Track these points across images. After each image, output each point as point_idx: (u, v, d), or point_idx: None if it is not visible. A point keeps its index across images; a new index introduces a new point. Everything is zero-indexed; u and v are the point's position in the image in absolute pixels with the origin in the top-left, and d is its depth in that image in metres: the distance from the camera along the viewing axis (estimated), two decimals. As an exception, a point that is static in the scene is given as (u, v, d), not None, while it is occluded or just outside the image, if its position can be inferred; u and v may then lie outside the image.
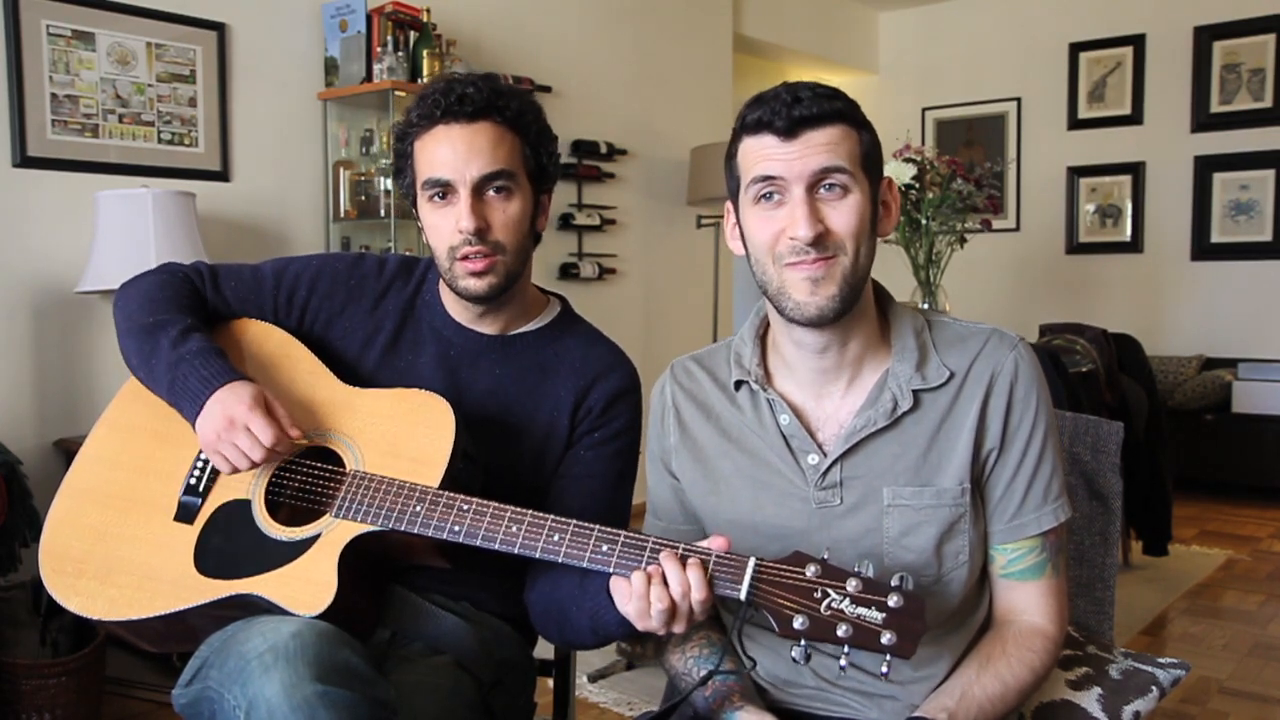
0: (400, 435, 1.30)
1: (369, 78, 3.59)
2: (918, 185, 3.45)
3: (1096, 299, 5.99)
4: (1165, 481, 3.88)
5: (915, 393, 1.22)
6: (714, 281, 5.05)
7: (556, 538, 1.17)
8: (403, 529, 1.22)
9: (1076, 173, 6.13)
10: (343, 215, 3.70)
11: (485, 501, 1.21)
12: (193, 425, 1.29)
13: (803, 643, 1.05)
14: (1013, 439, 1.23)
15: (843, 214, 1.16)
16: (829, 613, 1.05)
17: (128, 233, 2.82)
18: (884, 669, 1.03)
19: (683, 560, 1.10)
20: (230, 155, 3.44)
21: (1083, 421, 1.60)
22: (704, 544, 1.12)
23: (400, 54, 3.59)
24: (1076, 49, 6.09)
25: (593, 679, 2.91)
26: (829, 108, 1.16)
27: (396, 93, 3.51)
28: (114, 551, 1.30)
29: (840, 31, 6.50)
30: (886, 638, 1.03)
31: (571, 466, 1.41)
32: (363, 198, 3.68)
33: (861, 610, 1.04)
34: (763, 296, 1.25)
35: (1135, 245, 5.97)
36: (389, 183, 3.55)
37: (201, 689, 1.14)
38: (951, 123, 6.58)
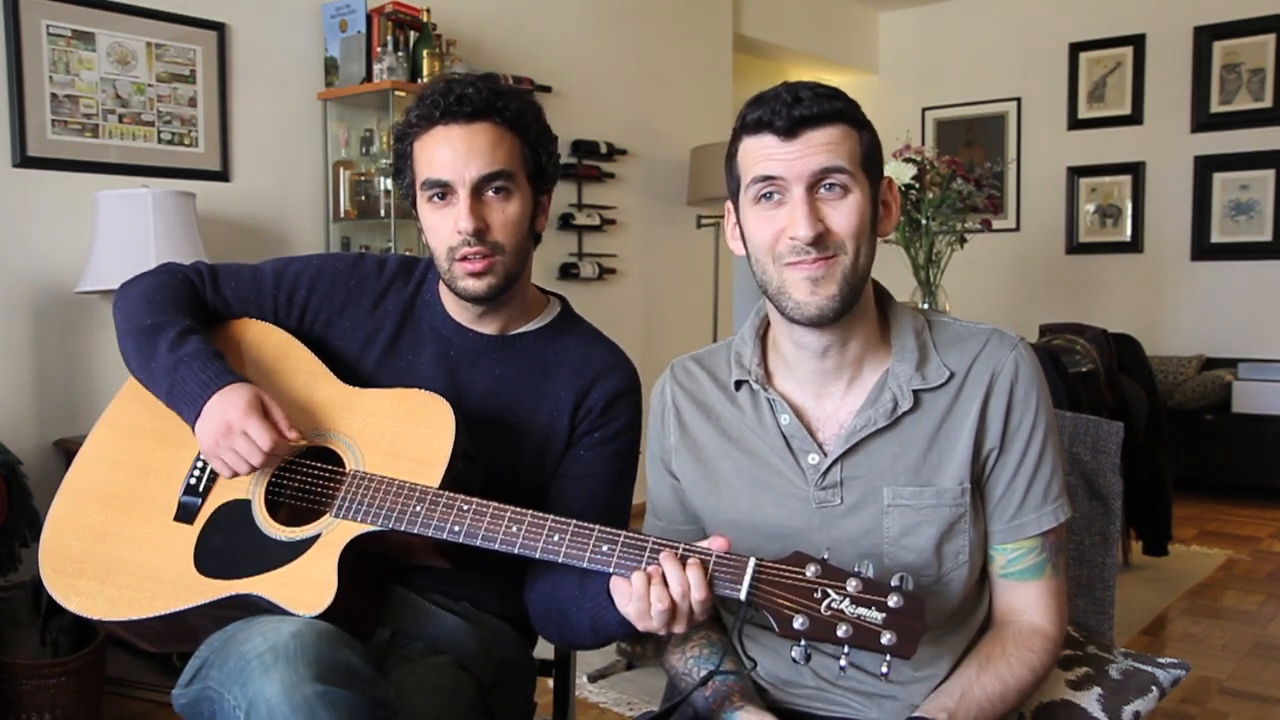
0: (400, 435, 1.30)
1: (369, 78, 3.59)
2: (918, 185, 3.45)
3: (1096, 299, 5.99)
4: (1165, 481, 3.88)
5: (915, 393, 1.22)
6: (714, 281, 5.05)
7: (556, 538, 1.17)
8: (403, 529, 1.22)
9: (1076, 173, 6.13)
10: (343, 215, 3.70)
11: (485, 501, 1.21)
12: (192, 429, 1.29)
13: (803, 643, 1.06)
14: (1013, 439, 1.23)
15: (843, 214, 1.16)
16: (829, 613, 1.05)
17: (128, 233, 2.82)
18: (884, 669, 1.03)
19: (683, 560, 1.10)
20: (230, 155, 3.44)
21: (1083, 421, 1.60)
22: (704, 544, 1.12)
23: (400, 54, 3.59)
24: (1076, 49, 6.09)
25: (593, 679, 2.91)
26: (829, 108, 1.16)
27: (396, 93, 3.51)
28: (114, 551, 1.30)
29: (840, 31, 6.50)
30: (886, 638, 1.03)
31: (571, 466, 1.41)
32: (363, 198, 3.68)
33: (861, 610, 1.04)
34: (763, 296, 1.25)
35: (1135, 245, 5.97)
36: (389, 183, 3.55)
37: (201, 689, 1.14)
38: (951, 123, 6.58)
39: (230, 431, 1.25)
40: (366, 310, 1.46)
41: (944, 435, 1.22)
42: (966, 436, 1.21)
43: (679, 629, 1.11)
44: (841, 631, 1.04)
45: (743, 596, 1.08)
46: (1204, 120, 5.72)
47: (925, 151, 3.57)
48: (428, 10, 3.71)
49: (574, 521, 1.17)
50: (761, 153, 1.17)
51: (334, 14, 3.64)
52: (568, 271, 4.56)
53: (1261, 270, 5.60)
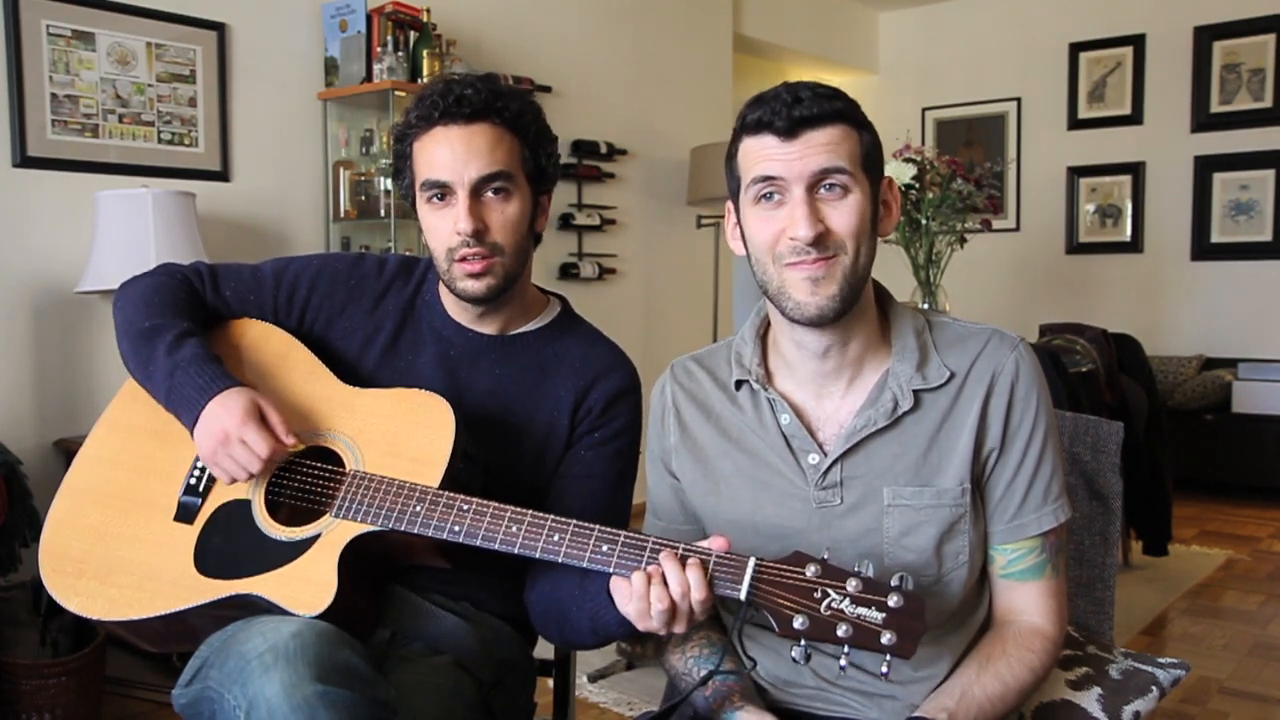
0: (400, 435, 1.30)
1: (369, 78, 3.59)
2: (918, 185, 3.45)
3: (1096, 299, 5.99)
4: (1165, 481, 3.88)
5: (916, 393, 1.22)
6: (714, 281, 5.05)
7: (556, 538, 1.17)
8: (403, 529, 1.22)
9: (1076, 173, 6.13)
10: (343, 215, 3.70)
11: (485, 501, 1.21)
12: (191, 434, 1.29)
13: (803, 643, 1.05)
14: (1013, 439, 1.23)
15: (843, 214, 1.16)
16: (829, 613, 1.05)
17: (128, 233, 2.82)
18: (884, 669, 1.03)
19: (682, 560, 1.10)
20: (230, 155, 3.44)
21: (1083, 421, 1.60)
22: (704, 544, 1.12)
23: (400, 54, 3.59)
24: (1076, 49, 6.09)
25: (593, 679, 2.91)
26: (829, 108, 1.16)
27: (396, 93, 3.51)
28: (114, 551, 1.30)
29: (840, 31, 6.50)
30: (886, 638, 1.03)
31: (571, 466, 1.41)
32: (363, 198, 3.68)
33: (861, 610, 1.04)
34: (763, 296, 1.25)
35: (1135, 245, 5.97)
36: (389, 183, 3.55)
37: (201, 689, 1.14)
38: (951, 123, 6.58)
39: (228, 440, 1.25)
40: (366, 310, 1.46)
41: (944, 435, 1.22)
42: (967, 437, 1.21)
43: (679, 629, 1.11)
44: (841, 631, 1.04)
45: (743, 596, 1.08)
46: (1204, 120, 5.72)
47: (925, 151, 3.57)
48: (428, 10, 3.71)
49: (574, 521, 1.17)
50: (761, 153, 1.17)
51: (334, 14, 3.64)
52: (568, 271, 4.56)
53: (1261, 270, 5.60)
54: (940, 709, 1.16)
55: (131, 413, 1.40)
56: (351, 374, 1.41)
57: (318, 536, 1.25)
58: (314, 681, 1.05)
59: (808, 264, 1.16)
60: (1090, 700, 1.35)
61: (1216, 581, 3.95)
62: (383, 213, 3.62)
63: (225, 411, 1.26)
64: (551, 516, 1.19)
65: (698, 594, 1.09)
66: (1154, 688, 1.38)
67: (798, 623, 1.05)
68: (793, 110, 1.14)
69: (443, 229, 1.34)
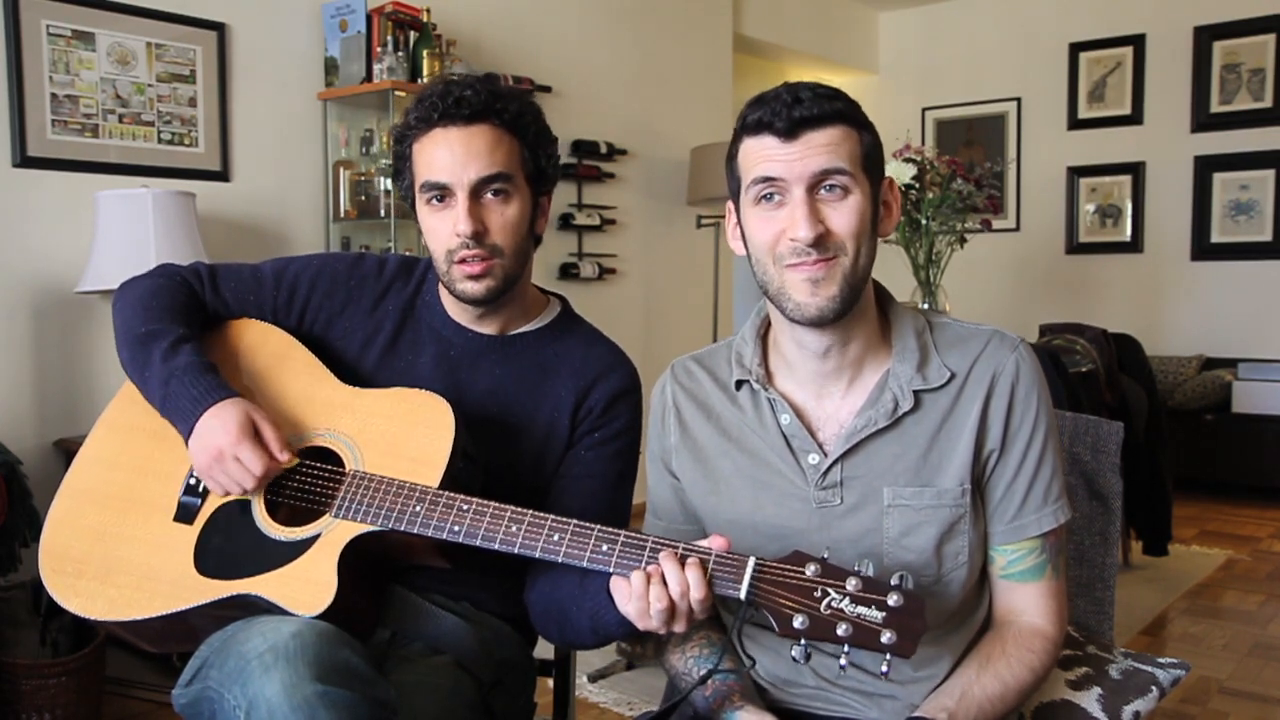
0: (400, 435, 1.30)
1: (369, 78, 3.59)
2: (918, 185, 3.45)
3: (1096, 299, 5.99)
4: (1165, 481, 3.88)
5: (916, 393, 1.22)
6: (714, 281, 5.05)
7: (556, 537, 1.17)
8: (402, 529, 1.22)
9: (1076, 173, 6.13)
10: (343, 215, 3.70)
11: (485, 501, 1.21)
12: (186, 444, 1.29)
13: (803, 642, 1.05)
14: (1013, 440, 1.23)
15: (843, 215, 1.16)
16: (829, 612, 1.05)
17: (128, 233, 2.82)
18: (884, 668, 1.03)
19: (682, 560, 1.10)
20: (230, 155, 3.44)
21: (1083, 421, 1.60)
22: (703, 543, 1.12)
23: (400, 54, 3.59)
24: (1076, 49, 6.09)
25: (593, 679, 2.91)
26: (829, 108, 1.15)
27: (396, 93, 3.51)
28: (114, 552, 1.30)
29: (840, 31, 6.50)
30: (886, 637, 1.03)
31: (571, 467, 1.41)
32: (363, 198, 3.68)
33: (861, 609, 1.04)
34: (763, 296, 1.25)
35: (1135, 245, 5.97)
36: (389, 183, 3.55)
37: (201, 689, 1.14)
38: (951, 123, 6.58)
39: (222, 456, 1.25)
40: (366, 310, 1.46)
41: (944, 436, 1.22)
42: (967, 437, 1.21)
43: (679, 628, 1.11)
44: (841, 630, 1.04)
45: (742, 596, 1.08)
46: (1204, 120, 5.72)
47: (925, 151, 3.57)
48: (428, 10, 3.71)
49: (574, 521, 1.17)
50: (762, 153, 1.17)
51: (334, 14, 3.64)
52: (568, 271, 4.56)
53: (1261, 270, 5.60)
54: (940, 709, 1.16)
55: (131, 413, 1.40)
56: (351, 374, 1.41)
57: (317, 536, 1.25)
58: (314, 681, 1.05)
59: (808, 265, 1.16)
60: (1090, 700, 1.35)
61: (1216, 581, 3.95)
62: (383, 213, 3.62)
63: (220, 425, 1.26)
64: (551, 516, 1.19)
65: (697, 593, 1.09)
66: (1154, 688, 1.38)
67: (797, 622, 1.05)
68: (793, 111, 1.14)
69: (442, 230, 1.34)
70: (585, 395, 1.42)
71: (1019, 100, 6.30)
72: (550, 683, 1.58)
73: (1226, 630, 3.40)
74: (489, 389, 1.42)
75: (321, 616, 1.18)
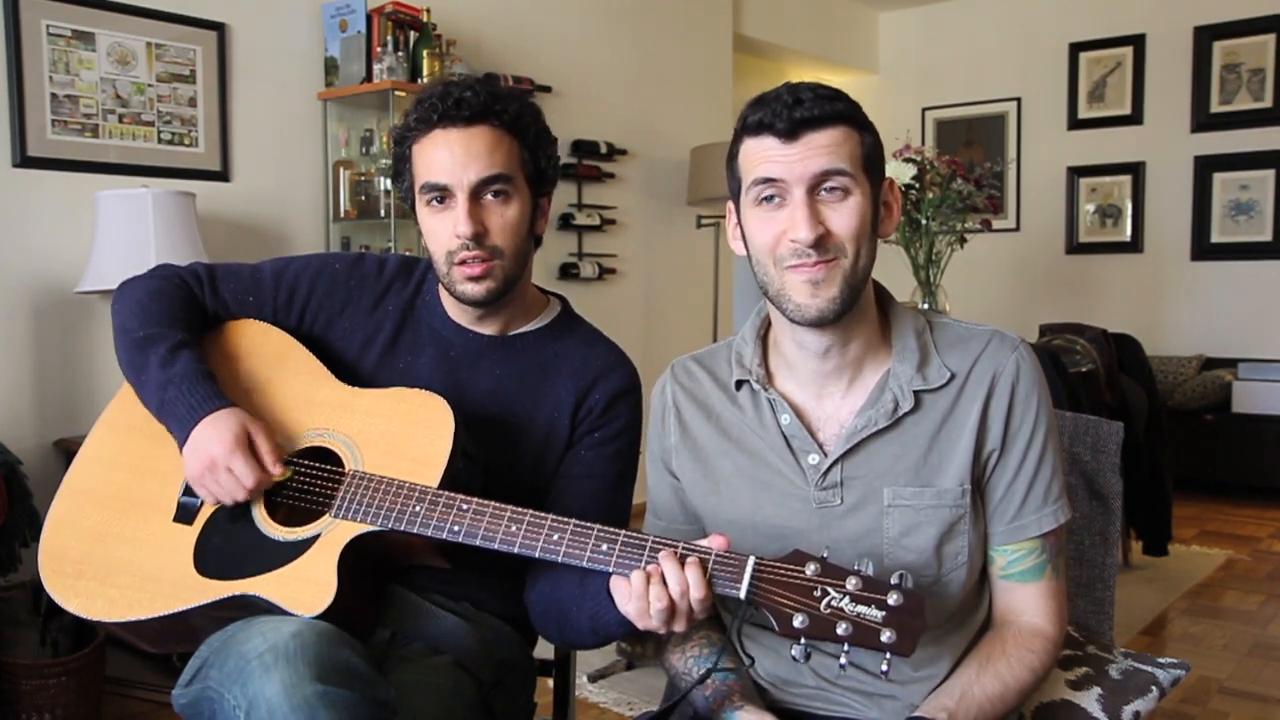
0: (399, 435, 1.30)
1: (369, 78, 3.59)
2: (918, 185, 3.45)
3: (1096, 299, 5.99)
4: (1165, 481, 3.88)
5: (916, 393, 1.22)
6: (714, 281, 5.05)
7: (556, 537, 1.17)
8: (402, 529, 1.22)
9: (1076, 173, 6.13)
10: (343, 215, 3.70)
11: (485, 501, 1.21)
12: (180, 451, 1.29)
13: (802, 641, 1.05)
14: (1014, 441, 1.23)
15: (843, 216, 1.16)
16: (829, 611, 1.05)
17: (128, 233, 2.82)
18: (884, 667, 1.03)
19: (681, 559, 1.10)
20: (230, 155, 3.44)
21: (1083, 421, 1.60)
22: (703, 543, 1.12)
23: (400, 54, 3.59)
24: (1076, 49, 6.09)
25: (593, 679, 2.91)
26: (830, 109, 1.15)
27: (396, 93, 3.51)
28: (113, 552, 1.30)
29: (840, 31, 6.50)
30: (886, 636, 1.03)
31: (572, 467, 1.41)
32: (363, 198, 3.68)
33: (861, 608, 1.04)
34: (764, 297, 1.25)
35: (1135, 245, 5.97)
36: (389, 183, 3.55)
37: (201, 689, 1.14)
38: (951, 123, 6.58)
39: (214, 467, 1.25)
40: (366, 311, 1.46)
41: (944, 436, 1.22)
42: (967, 438, 1.21)
43: (679, 628, 1.11)
44: (841, 629, 1.04)
45: (742, 595, 1.08)
46: (1204, 120, 5.72)
47: (925, 151, 3.57)
48: (428, 10, 3.71)
49: (573, 521, 1.17)
50: (762, 154, 1.17)
51: (334, 14, 3.64)
52: (568, 271, 4.56)
53: (1261, 270, 5.60)
54: (940, 709, 1.16)
55: (131, 414, 1.39)
56: (351, 374, 1.41)
57: (317, 537, 1.25)
58: (314, 681, 1.05)
59: (808, 267, 1.16)
60: (1090, 700, 1.35)
61: (1216, 581, 3.95)
62: (383, 213, 3.62)
63: (215, 435, 1.26)
64: (551, 516, 1.19)
65: (697, 593, 1.09)
66: (1154, 688, 1.38)
67: (797, 621, 1.05)
68: (794, 112, 1.14)
69: (442, 232, 1.34)
70: (585, 395, 1.42)
71: (1019, 100, 6.30)
72: (550, 683, 1.58)
73: (1226, 630, 3.40)
74: (489, 389, 1.41)
75: (321, 616, 1.18)
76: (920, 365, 1.23)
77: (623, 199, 4.85)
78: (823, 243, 1.15)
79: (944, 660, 1.24)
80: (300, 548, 1.24)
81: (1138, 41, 5.89)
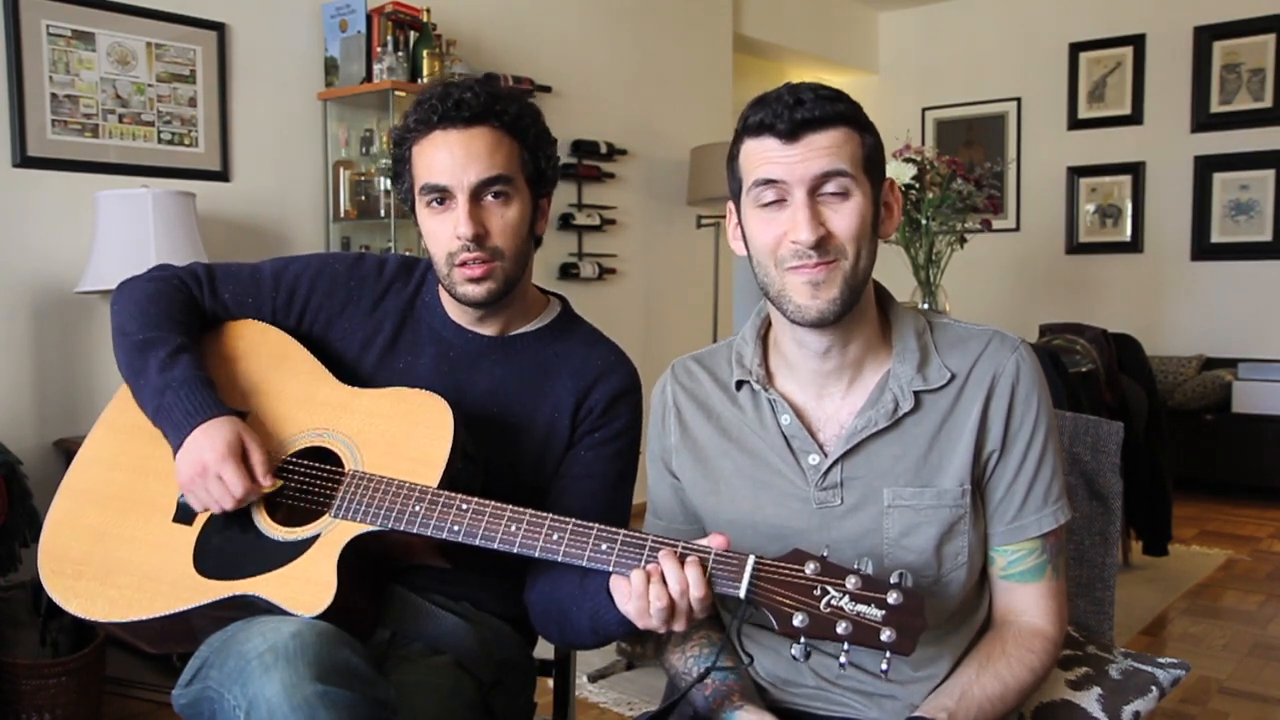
0: (399, 435, 1.30)
1: (369, 78, 3.59)
2: (918, 185, 3.45)
3: (1096, 299, 5.99)
4: (1165, 481, 3.88)
5: (916, 394, 1.22)
6: (714, 281, 5.05)
7: (556, 537, 1.17)
8: (402, 529, 1.22)
9: (1076, 173, 6.13)
10: (343, 215, 3.70)
11: (484, 501, 1.21)
12: (174, 455, 1.29)
13: (802, 640, 1.05)
14: (1014, 441, 1.23)
15: (844, 217, 1.16)
16: (829, 610, 1.05)
17: (128, 233, 2.82)
18: (884, 666, 1.04)
19: (681, 558, 1.10)
20: (230, 155, 3.44)
21: (1083, 421, 1.60)
22: (703, 542, 1.12)
23: (400, 54, 3.59)
24: (1076, 49, 6.09)
25: (593, 679, 2.91)
26: (831, 110, 1.15)
27: (396, 93, 3.51)
28: (113, 553, 1.30)
29: (840, 31, 6.50)
30: (886, 634, 1.03)
31: (572, 467, 1.41)
32: (363, 198, 3.68)
33: (861, 607, 1.04)
34: (764, 297, 1.25)
35: (1135, 245, 5.97)
36: (389, 183, 3.55)
37: (201, 689, 1.14)
38: (951, 123, 6.58)
39: (205, 473, 1.25)
40: (366, 311, 1.46)
41: (944, 436, 1.22)
42: (967, 438, 1.21)
43: (679, 627, 1.11)
44: (841, 628, 1.04)
45: (742, 594, 1.08)
46: (1204, 120, 5.72)
47: (925, 151, 3.57)
48: (428, 10, 3.71)
49: (573, 520, 1.17)
50: (763, 155, 1.17)
51: (334, 14, 3.65)
52: (568, 271, 4.56)
53: (1261, 270, 5.60)
54: (940, 709, 1.16)
55: (130, 414, 1.39)
56: (350, 375, 1.41)
57: (317, 537, 1.25)
58: (314, 681, 1.05)
59: (809, 268, 1.16)
60: (1090, 700, 1.35)
61: (1216, 581, 3.95)
62: (383, 213, 3.62)
63: (208, 442, 1.26)
64: (551, 515, 1.19)
65: (696, 592, 1.09)
66: (1154, 688, 1.38)
67: (797, 620, 1.05)
68: (794, 113, 1.14)
69: (442, 233, 1.34)
70: (585, 395, 1.42)
71: (1019, 100, 6.30)
72: (550, 683, 1.58)
73: (1226, 630, 3.40)
74: (489, 389, 1.41)
75: (321, 616, 1.18)
76: (920, 366, 1.23)
77: (623, 199, 4.85)
78: (823, 244, 1.15)
79: (944, 660, 1.24)
80: (300, 548, 1.24)
81: (1138, 41, 5.89)
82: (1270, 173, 5.54)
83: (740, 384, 1.30)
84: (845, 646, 1.04)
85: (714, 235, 5.05)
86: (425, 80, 3.60)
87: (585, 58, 4.68)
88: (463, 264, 1.33)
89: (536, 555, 1.18)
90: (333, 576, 1.20)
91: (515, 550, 1.18)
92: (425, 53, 3.63)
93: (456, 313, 1.44)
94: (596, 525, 1.16)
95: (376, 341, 1.44)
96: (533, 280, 1.47)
